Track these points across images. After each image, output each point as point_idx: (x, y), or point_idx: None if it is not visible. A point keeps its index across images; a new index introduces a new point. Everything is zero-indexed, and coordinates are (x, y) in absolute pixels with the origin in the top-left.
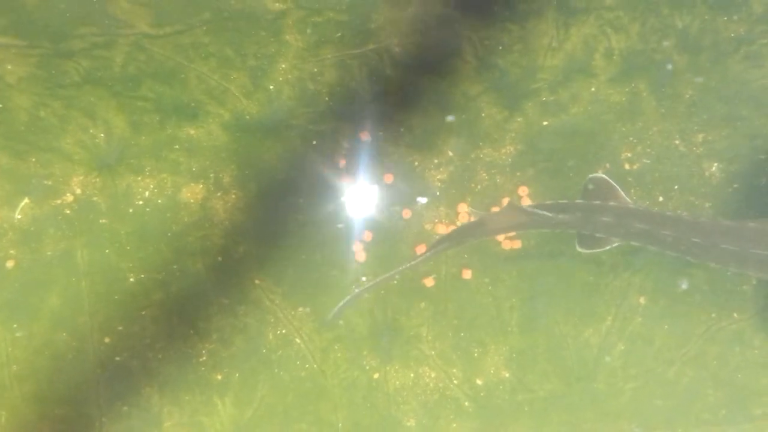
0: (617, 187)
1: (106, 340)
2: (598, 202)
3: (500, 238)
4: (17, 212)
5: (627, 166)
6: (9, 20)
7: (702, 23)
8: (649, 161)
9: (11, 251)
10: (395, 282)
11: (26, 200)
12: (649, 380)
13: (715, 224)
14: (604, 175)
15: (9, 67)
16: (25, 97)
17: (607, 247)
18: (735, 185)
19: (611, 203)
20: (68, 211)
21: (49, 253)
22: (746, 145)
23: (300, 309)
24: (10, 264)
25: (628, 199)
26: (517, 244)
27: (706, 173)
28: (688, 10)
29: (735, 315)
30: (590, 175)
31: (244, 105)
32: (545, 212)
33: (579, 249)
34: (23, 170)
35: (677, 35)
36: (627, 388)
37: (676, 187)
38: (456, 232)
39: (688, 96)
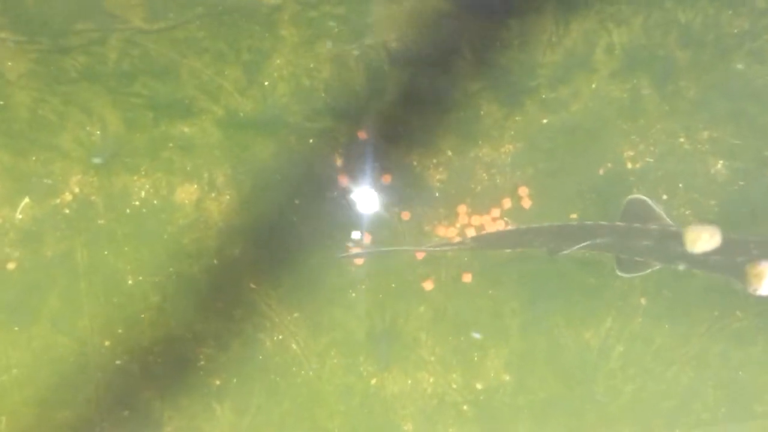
0: (658, 209)
1: (106, 343)
2: (638, 225)
3: None
4: (18, 212)
5: (629, 165)
6: (7, 16)
7: (705, 18)
8: (652, 159)
9: (12, 252)
10: (393, 285)
11: (27, 199)
12: (649, 380)
13: (764, 241)
14: (643, 197)
15: (9, 63)
16: (25, 93)
17: (648, 270)
18: (740, 183)
19: (651, 226)
20: (67, 211)
21: (49, 253)
22: (751, 143)
23: (296, 314)
24: (11, 265)
25: (669, 220)
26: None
27: (711, 171)
28: (691, 4)
29: (738, 313)
30: (629, 197)
31: (238, 101)
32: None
33: (619, 273)
34: (24, 169)
35: (680, 30)
36: (627, 390)
37: (680, 185)
38: (491, 236)
39: (691, 93)
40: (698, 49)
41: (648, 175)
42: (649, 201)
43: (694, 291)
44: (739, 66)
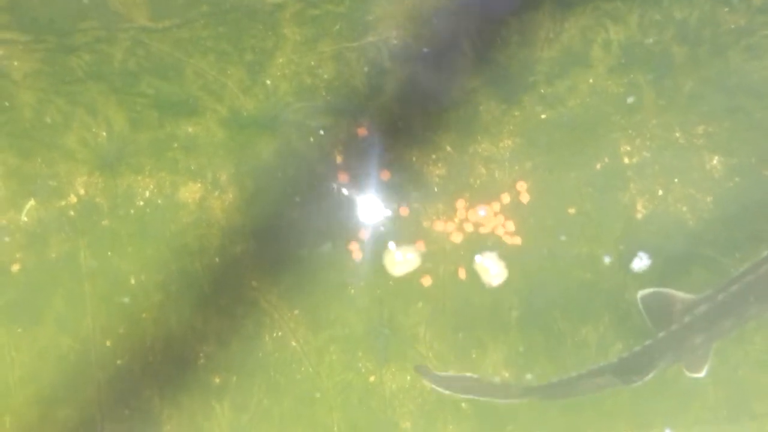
0: (671, 291)
1: (108, 342)
2: (675, 326)
3: (500, 233)
4: (23, 214)
5: (626, 160)
6: (13, 16)
7: (701, 14)
8: (648, 154)
9: (17, 254)
10: (391, 282)
11: (32, 201)
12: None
13: None
14: (653, 289)
15: (15, 63)
16: (30, 93)
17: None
18: (736, 179)
19: (686, 319)
20: (72, 213)
21: (53, 255)
22: (747, 138)
23: (296, 311)
24: (15, 267)
25: (685, 294)
26: (518, 241)
27: (707, 166)
28: (688, 1)
29: None
30: (640, 295)
31: (242, 100)
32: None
33: (691, 374)
34: (29, 170)
35: (676, 26)
36: (626, 388)
37: (676, 180)
38: (552, 387)
39: (687, 88)
40: (694, 45)
41: (644, 169)
42: (660, 289)
43: (691, 287)
44: (735, 61)
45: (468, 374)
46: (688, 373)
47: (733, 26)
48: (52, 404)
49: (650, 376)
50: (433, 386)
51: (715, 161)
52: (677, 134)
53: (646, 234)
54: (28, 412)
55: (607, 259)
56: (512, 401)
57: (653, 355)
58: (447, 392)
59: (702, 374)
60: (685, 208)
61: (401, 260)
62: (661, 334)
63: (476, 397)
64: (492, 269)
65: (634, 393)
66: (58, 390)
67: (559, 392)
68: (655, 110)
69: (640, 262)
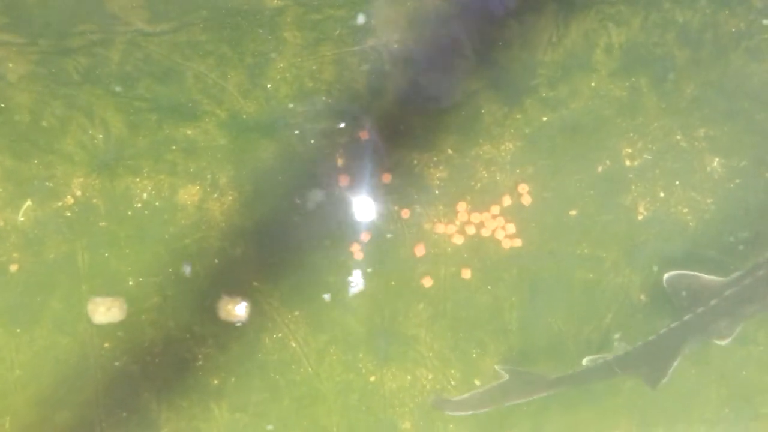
0: (697, 273)
1: (106, 344)
2: (701, 309)
3: (500, 236)
4: (20, 214)
5: (628, 162)
6: (9, 18)
7: (703, 18)
8: (650, 157)
9: (14, 254)
10: (393, 283)
11: (28, 202)
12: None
13: None
14: (679, 271)
15: (10, 65)
16: (26, 95)
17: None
18: (737, 180)
19: (713, 302)
20: (69, 214)
21: (51, 256)
22: (748, 140)
23: (296, 312)
24: (13, 267)
25: (710, 277)
26: (518, 243)
27: (708, 168)
28: (689, 4)
29: None
30: (666, 276)
31: (241, 104)
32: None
33: (719, 342)
34: (25, 171)
35: (678, 30)
36: (626, 387)
37: (677, 182)
38: (581, 374)
39: (689, 91)
40: (696, 48)
41: (646, 172)
42: (686, 271)
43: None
44: (736, 65)
45: (492, 384)
46: (715, 341)
47: (733, 30)
48: (52, 406)
49: (675, 364)
50: (458, 413)
51: (715, 163)
52: (678, 137)
53: (648, 236)
54: (28, 413)
55: (609, 259)
56: (543, 394)
57: (678, 339)
58: (472, 412)
59: (727, 341)
60: (686, 210)
61: (104, 311)
62: (687, 317)
63: (506, 404)
64: (237, 311)
65: (636, 391)
66: (57, 392)
67: (588, 378)
68: (657, 113)
69: None
